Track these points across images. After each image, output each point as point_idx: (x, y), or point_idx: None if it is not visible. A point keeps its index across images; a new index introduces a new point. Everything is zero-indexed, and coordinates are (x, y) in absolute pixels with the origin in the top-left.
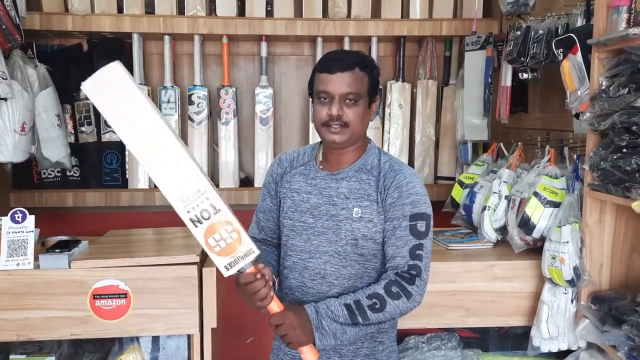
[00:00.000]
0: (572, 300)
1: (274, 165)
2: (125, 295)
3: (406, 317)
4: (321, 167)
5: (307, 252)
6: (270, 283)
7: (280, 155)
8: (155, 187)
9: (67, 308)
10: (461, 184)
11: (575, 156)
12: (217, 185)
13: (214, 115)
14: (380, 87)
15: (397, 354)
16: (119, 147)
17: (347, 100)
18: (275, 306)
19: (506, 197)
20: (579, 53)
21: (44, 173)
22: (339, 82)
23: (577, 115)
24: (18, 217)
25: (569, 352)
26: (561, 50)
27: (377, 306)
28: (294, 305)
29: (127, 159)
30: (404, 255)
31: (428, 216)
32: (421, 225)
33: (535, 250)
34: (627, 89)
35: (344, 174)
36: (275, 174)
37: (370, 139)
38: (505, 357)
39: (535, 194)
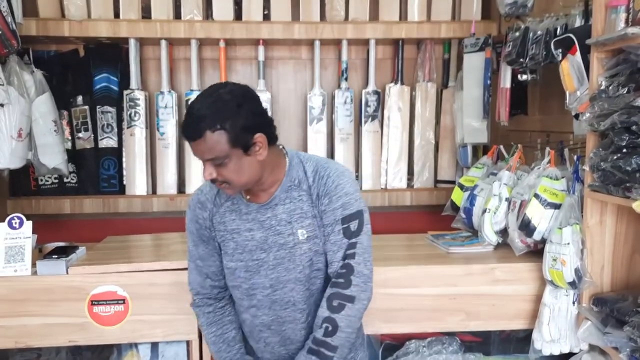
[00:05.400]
0: (573, 303)
1: (196, 210)
2: (123, 301)
3: (407, 321)
4: (248, 198)
5: (269, 287)
6: None
7: (194, 199)
8: (153, 193)
9: (65, 314)
10: (461, 186)
11: (575, 157)
12: None
13: None
14: (379, 90)
15: None
16: (116, 153)
17: (215, 163)
18: None
19: (506, 199)
20: (577, 53)
21: (41, 180)
22: (198, 150)
23: (576, 116)
24: (15, 223)
25: (571, 354)
26: (560, 50)
27: (329, 329)
28: None
29: (124, 165)
30: (338, 260)
31: (360, 212)
32: (354, 225)
33: (536, 252)
34: (626, 89)
35: (276, 199)
36: (202, 219)
37: (285, 150)
38: None
39: (536, 196)
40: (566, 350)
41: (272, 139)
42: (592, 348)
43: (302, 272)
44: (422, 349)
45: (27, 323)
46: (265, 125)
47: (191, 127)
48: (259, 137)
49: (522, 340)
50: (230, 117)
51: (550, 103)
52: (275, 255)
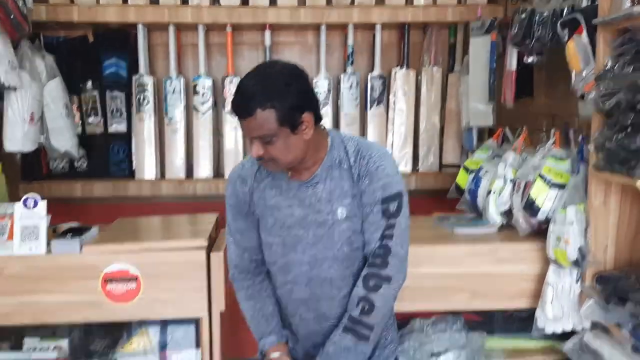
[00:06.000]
0: (576, 281)
1: (237, 185)
2: (135, 279)
3: (411, 300)
4: (290, 175)
5: (306, 263)
6: None
7: (235, 173)
8: (162, 177)
9: (79, 292)
10: (466, 169)
11: (580, 137)
12: (222, 174)
13: (218, 104)
14: (385, 74)
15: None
16: (126, 138)
17: (263, 141)
18: None
19: (511, 180)
20: (584, 33)
21: (53, 164)
22: (247, 128)
23: (582, 97)
24: (30, 203)
25: (573, 333)
26: (566, 31)
27: (366, 308)
28: None
29: (133, 150)
30: (376, 240)
31: (399, 194)
32: (393, 206)
33: (540, 233)
34: (632, 68)
35: (317, 178)
36: (242, 193)
37: (328, 131)
38: (510, 340)
39: (541, 176)
40: (569, 329)
41: (318, 118)
42: (595, 326)
43: (340, 250)
44: (426, 327)
45: (42, 300)
46: (312, 104)
47: (242, 105)
48: (307, 117)
49: (525, 319)
50: (279, 95)
51: (556, 86)
52: (314, 232)
